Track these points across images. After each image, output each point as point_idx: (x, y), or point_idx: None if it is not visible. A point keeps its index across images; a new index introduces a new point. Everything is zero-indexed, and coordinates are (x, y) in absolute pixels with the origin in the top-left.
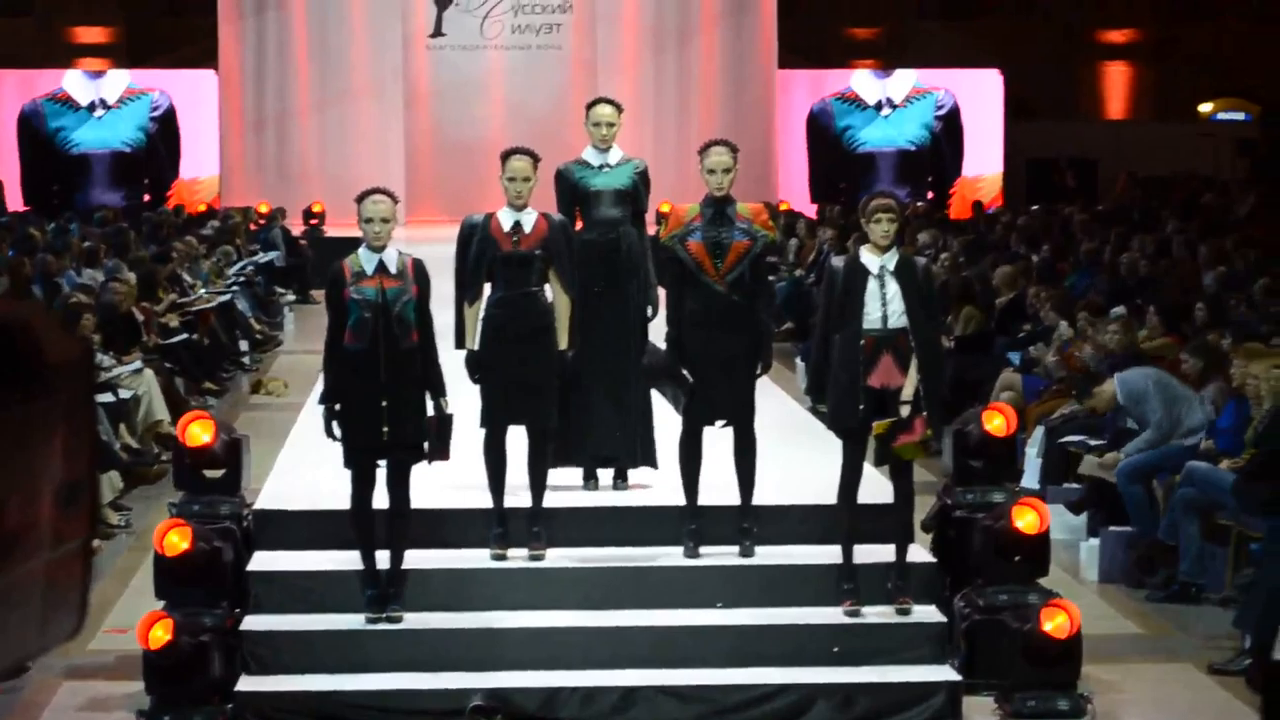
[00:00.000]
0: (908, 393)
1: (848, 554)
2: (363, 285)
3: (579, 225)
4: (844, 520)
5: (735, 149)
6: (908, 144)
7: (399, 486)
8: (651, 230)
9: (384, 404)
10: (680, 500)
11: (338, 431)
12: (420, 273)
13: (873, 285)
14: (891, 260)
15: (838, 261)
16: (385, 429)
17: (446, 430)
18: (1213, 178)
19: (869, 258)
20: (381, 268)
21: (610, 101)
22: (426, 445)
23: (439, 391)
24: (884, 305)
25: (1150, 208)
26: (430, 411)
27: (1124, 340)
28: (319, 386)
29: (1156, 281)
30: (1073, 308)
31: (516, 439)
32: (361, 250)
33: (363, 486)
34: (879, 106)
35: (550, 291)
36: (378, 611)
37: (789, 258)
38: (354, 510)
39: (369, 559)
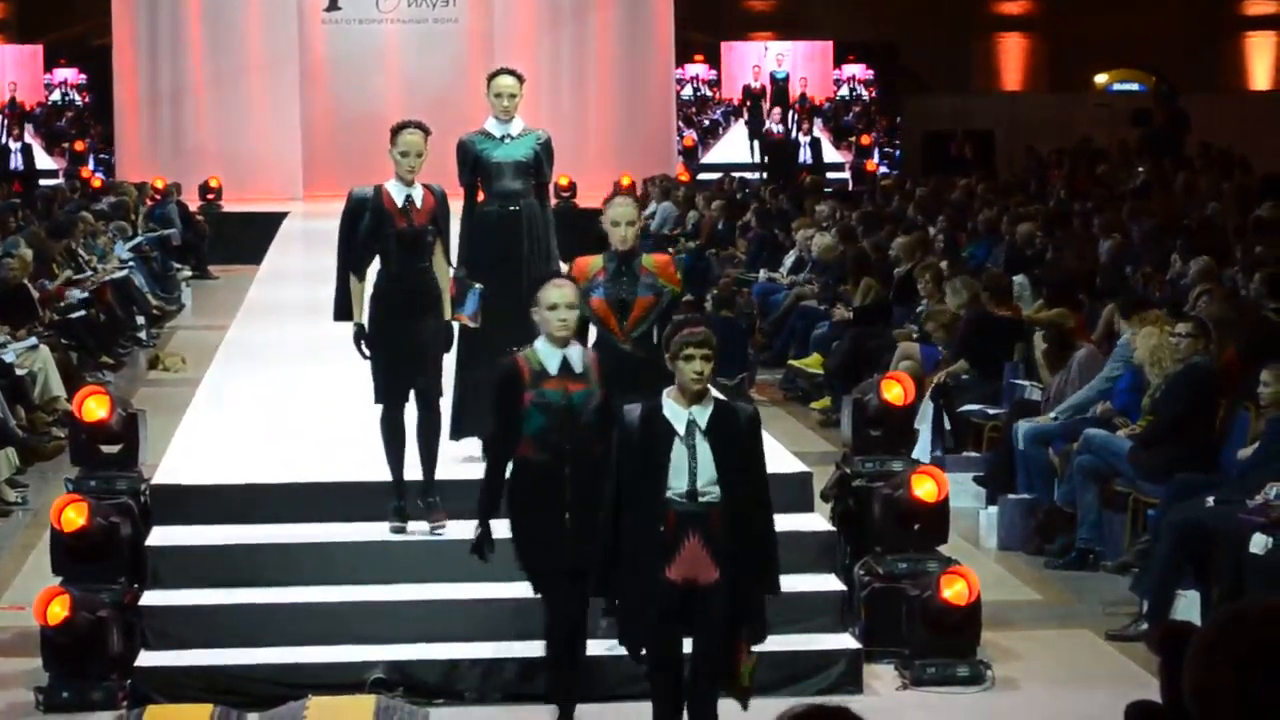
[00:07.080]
0: None
1: None
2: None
3: (480, 197)
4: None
5: (639, 200)
6: None
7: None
8: (554, 202)
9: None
10: None
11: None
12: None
13: (679, 448)
14: (704, 413)
15: (631, 412)
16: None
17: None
18: (1107, 149)
19: (674, 409)
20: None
21: (512, 72)
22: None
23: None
24: (692, 474)
25: (1045, 178)
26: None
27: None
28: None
29: (1052, 252)
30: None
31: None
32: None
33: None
34: None
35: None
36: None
37: (687, 229)
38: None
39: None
